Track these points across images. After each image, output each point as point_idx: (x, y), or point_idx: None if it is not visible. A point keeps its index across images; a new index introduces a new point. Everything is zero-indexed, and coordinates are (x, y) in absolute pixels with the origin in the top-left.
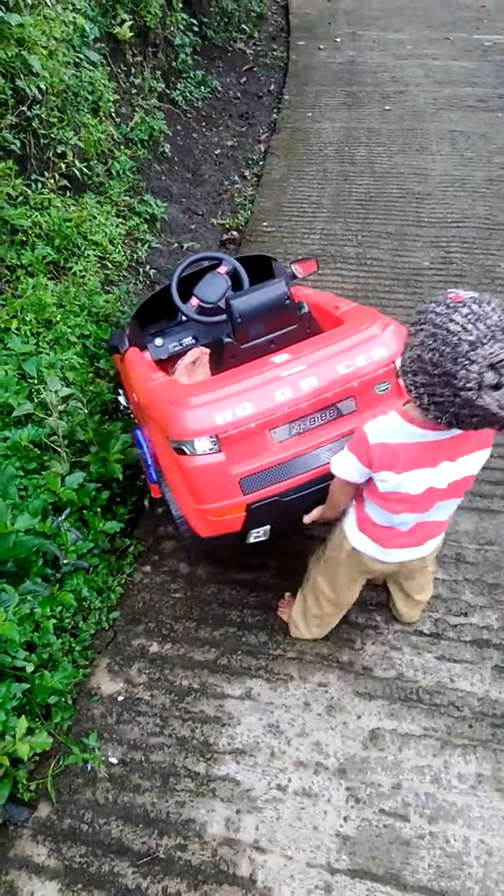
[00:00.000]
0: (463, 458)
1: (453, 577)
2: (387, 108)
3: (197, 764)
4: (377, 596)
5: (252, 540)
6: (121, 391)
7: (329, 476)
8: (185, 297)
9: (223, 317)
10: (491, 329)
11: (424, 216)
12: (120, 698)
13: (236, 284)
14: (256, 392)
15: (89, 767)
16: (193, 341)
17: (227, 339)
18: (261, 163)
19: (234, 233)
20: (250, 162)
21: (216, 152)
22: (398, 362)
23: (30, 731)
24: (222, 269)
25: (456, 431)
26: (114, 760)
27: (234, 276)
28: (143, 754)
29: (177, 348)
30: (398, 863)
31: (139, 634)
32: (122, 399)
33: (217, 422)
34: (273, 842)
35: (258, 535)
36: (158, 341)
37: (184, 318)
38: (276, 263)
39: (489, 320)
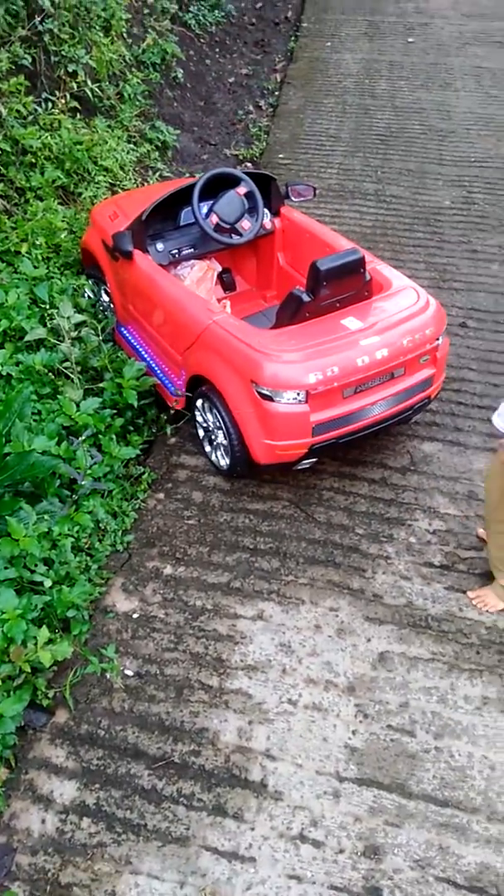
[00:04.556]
0: None
1: (465, 513)
2: (410, 40)
3: (210, 678)
4: (389, 528)
5: (300, 467)
6: (104, 287)
7: (375, 424)
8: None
9: (238, 239)
10: None
11: (447, 154)
12: (135, 615)
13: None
14: (342, 356)
15: (107, 677)
16: (192, 250)
17: (306, 297)
18: (276, 93)
19: (249, 164)
20: (265, 91)
21: (230, 80)
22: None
23: (50, 641)
24: (241, 190)
25: None
26: (129, 672)
27: (248, 196)
28: (158, 668)
29: (176, 255)
30: (404, 774)
31: (153, 557)
32: (105, 296)
33: (310, 380)
34: (284, 751)
35: (305, 464)
36: (160, 246)
37: (182, 224)
38: (275, 184)
39: None
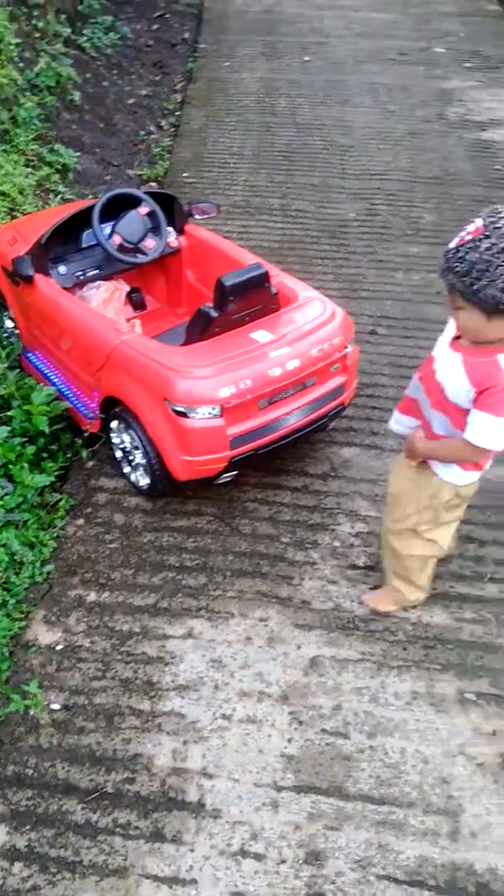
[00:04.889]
0: None
1: None
2: (307, 59)
3: (141, 702)
4: (313, 535)
5: (221, 481)
6: (6, 314)
7: (291, 433)
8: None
9: (143, 258)
10: None
11: (349, 168)
12: (59, 647)
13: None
14: (253, 369)
15: (31, 714)
16: (98, 271)
17: (214, 313)
18: (177, 113)
19: (154, 184)
20: (166, 112)
21: (130, 101)
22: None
23: None
24: (143, 210)
25: None
26: (56, 707)
27: (150, 216)
28: (87, 698)
29: (80, 277)
30: (341, 776)
31: (75, 585)
32: (8, 322)
33: (223, 394)
34: (220, 767)
35: (227, 477)
36: (62, 269)
37: (84, 246)
38: (178, 202)
39: None
